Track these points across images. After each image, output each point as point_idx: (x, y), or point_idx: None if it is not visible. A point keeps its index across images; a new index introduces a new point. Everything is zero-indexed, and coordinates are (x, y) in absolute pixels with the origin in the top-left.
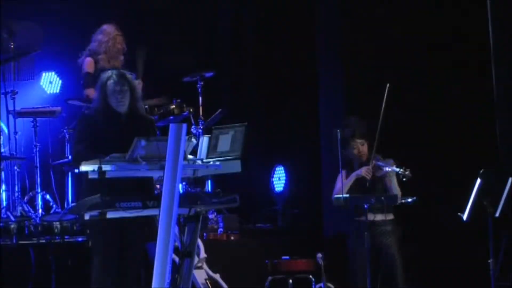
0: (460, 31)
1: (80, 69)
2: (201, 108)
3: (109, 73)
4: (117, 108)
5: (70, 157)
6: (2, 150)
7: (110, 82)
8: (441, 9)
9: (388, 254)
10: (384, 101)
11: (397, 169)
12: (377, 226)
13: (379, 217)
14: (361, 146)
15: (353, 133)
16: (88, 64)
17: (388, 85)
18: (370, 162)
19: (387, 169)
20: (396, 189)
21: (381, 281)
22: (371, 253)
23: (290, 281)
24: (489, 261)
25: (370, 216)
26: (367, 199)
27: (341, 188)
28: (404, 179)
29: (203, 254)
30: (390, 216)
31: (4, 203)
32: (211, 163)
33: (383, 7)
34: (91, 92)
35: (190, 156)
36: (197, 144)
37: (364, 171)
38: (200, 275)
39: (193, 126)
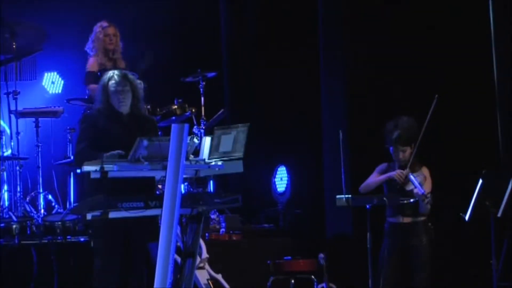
0: (462, 31)
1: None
2: (203, 108)
3: (110, 73)
4: (119, 108)
5: (72, 157)
6: (4, 150)
7: (112, 82)
8: (442, 11)
9: (415, 256)
10: (431, 112)
11: (422, 191)
12: (405, 227)
13: (407, 219)
14: (402, 153)
15: (398, 139)
16: (90, 63)
17: (436, 96)
18: (406, 167)
19: (413, 188)
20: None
21: (401, 282)
22: (399, 255)
23: (292, 281)
24: (491, 261)
25: (399, 218)
26: (369, 200)
27: (370, 183)
28: (424, 202)
29: (205, 254)
30: (421, 218)
31: (6, 203)
32: (213, 163)
33: (386, 7)
34: (93, 88)
35: (192, 156)
36: (199, 144)
37: (396, 175)
38: (202, 275)
39: (195, 126)
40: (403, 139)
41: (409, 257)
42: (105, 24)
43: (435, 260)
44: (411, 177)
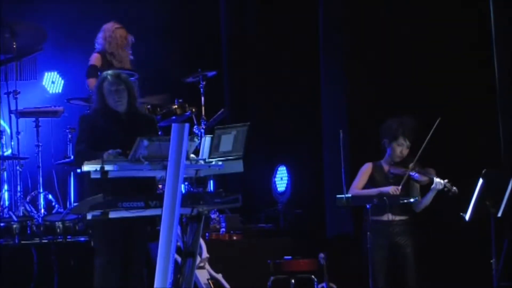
0: (462, 30)
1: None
2: (203, 108)
3: (104, 74)
4: (116, 107)
5: (72, 157)
6: (5, 150)
7: (106, 83)
8: (443, 13)
9: (403, 254)
10: (432, 131)
11: (443, 182)
12: (394, 226)
13: (397, 217)
14: (404, 148)
15: (407, 132)
16: (94, 57)
17: (439, 118)
18: (407, 168)
19: (423, 180)
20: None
21: (394, 281)
22: (386, 252)
23: (292, 281)
24: (491, 261)
25: (389, 216)
26: (369, 199)
27: (362, 196)
28: (450, 194)
29: (205, 254)
30: (407, 216)
31: (7, 203)
32: (214, 163)
33: (386, 9)
34: (92, 82)
35: (192, 156)
36: (199, 144)
37: (392, 190)
38: (202, 275)
39: (195, 126)
40: (408, 133)
41: (397, 256)
42: (117, 25)
43: (434, 259)
44: (416, 174)
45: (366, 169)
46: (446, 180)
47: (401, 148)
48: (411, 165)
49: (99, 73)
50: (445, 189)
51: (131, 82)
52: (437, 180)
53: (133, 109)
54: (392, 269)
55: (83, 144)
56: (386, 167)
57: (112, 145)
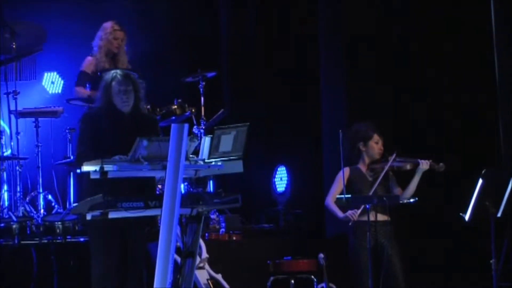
0: (462, 30)
1: None
2: (203, 108)
3: (113, 73)
4: (122, 108)
5: (72, 157)
6: (4, 150)
7: (115, 82)
8: (443, 12)
9: (389, 255)
10: (388, 165)
11: (428, 162)
12: (379, 226)
13: (380, 217)
14: (380, 143)
15: (377, 129)
16: (86, 62)
17: (395, 153)
18: (387, 160)
19: (404, 165)
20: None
21: (383, 281)
22: (372, 253)
23: (292, 281)
24: (491, 261)
25: (372, 216)
26: (369, 199)
27: (335, 197)
28: (441, 170)
29: (205, 255)
30: (389, 217)
31: (6, 203)
32: (213, 163)
33: (386, 8)
34: (80, 91)
35: (192, 156)
36: (199, 144)
37: (350, 215)
38: (202, 275)
39: (195, 126)
40: (378, 130)
41: (382, 257)
42: (116, 26)
43: (434, 260)
44: (397, 163)
45: (343, 173)
46: (430, 160)
47: (378, 144)
48: (390, 157)
49: (87, 83)
50: (433, 167)
51: (139, 84)
52: (422, 160)
53: (136, 110)
54: (379, 270)
55: (85, 146)
56: (363, 168)
57: (114, 145)
